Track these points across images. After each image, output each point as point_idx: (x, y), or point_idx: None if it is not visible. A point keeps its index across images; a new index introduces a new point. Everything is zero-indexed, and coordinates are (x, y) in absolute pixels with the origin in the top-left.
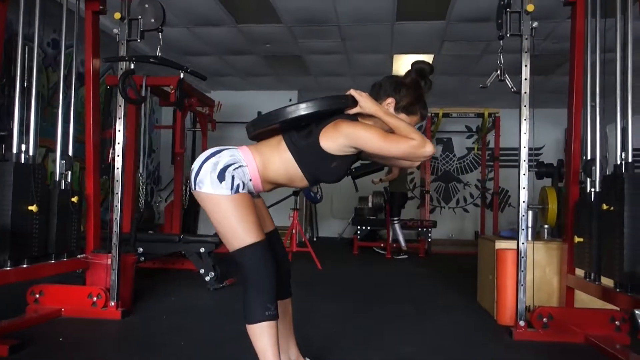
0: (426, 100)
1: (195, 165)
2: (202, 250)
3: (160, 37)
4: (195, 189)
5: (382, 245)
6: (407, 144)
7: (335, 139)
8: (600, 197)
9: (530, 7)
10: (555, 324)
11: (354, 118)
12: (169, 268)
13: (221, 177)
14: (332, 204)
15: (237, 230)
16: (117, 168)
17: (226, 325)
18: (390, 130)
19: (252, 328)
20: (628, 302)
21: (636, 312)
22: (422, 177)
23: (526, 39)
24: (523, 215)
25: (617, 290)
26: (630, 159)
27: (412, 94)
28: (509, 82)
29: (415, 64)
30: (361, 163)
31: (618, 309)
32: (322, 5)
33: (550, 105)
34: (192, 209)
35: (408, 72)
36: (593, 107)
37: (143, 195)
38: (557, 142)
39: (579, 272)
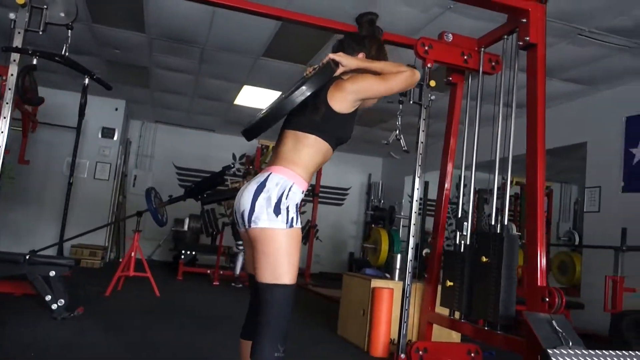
0: None
1: (246, 204)
2: (53, 273)
3: (69, 34)
4: (250, 226)
5: (208, 272)
6: (402, 76)
7: (345, 99)
8: (472, 249)
9: (432, 83)
10: (428, 356)
11: (340, 77)
12: None
13: (277, 211)
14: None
15: (281, 265)
16: None
17: None
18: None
19: None
20: (490, 337)
21: (549, 351)
22: None
23: (425, 107)
24: (411, 260)
25: (486, 327)
26: (506, 221)
27: (374, 42)
28: (402, 141)
29: (363, 16)
30: (215, 190)
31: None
32: (197, 28)
33: (358, 151)
34: None
35: (360, 26)
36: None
37: None
38: (361, 185)
39: (438, 309)
